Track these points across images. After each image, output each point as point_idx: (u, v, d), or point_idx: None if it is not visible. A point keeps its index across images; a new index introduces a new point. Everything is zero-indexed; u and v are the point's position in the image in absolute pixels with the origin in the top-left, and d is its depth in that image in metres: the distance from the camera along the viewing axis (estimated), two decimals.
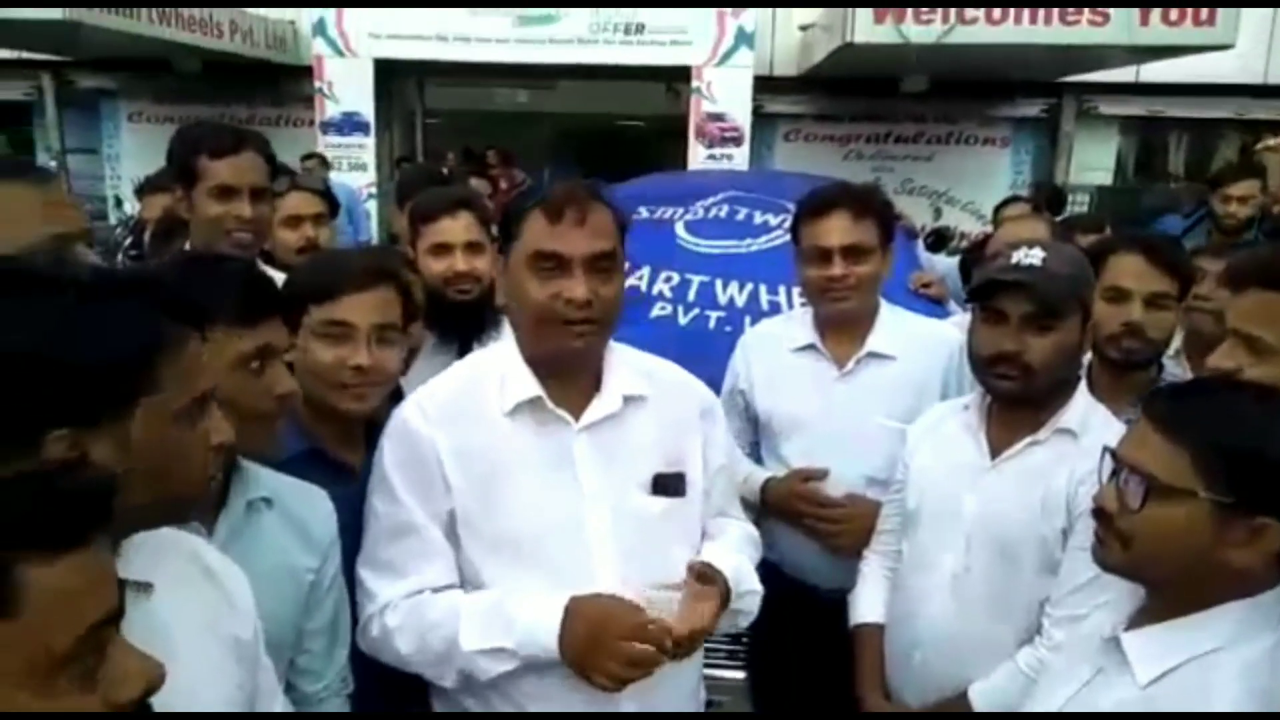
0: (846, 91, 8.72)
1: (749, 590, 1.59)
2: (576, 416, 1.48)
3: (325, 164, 7.42)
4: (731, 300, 2.88)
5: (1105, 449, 1.25)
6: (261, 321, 1.28)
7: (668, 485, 1.51)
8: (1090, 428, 1.64)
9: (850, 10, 6.33)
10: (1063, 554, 1.60)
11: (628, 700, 1.43)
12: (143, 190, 3.47)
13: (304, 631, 1.37)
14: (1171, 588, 1.19)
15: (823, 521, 2.03)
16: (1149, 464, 1.15)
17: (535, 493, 1.45)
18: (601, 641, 1.34)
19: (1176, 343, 2.31)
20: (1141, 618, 1.23)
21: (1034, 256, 1.62)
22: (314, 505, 1.41)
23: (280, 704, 1.21)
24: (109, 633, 0.70)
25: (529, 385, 1.46)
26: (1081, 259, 1.73)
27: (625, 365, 1.54)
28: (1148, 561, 1.18)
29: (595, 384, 1.50)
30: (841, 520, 2.02)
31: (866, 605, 1.91)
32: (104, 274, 0.94)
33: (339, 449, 1.62)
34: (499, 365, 1.50)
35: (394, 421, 1.50)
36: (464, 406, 1.47)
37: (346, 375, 1.55)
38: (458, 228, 2.19)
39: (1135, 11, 6.16)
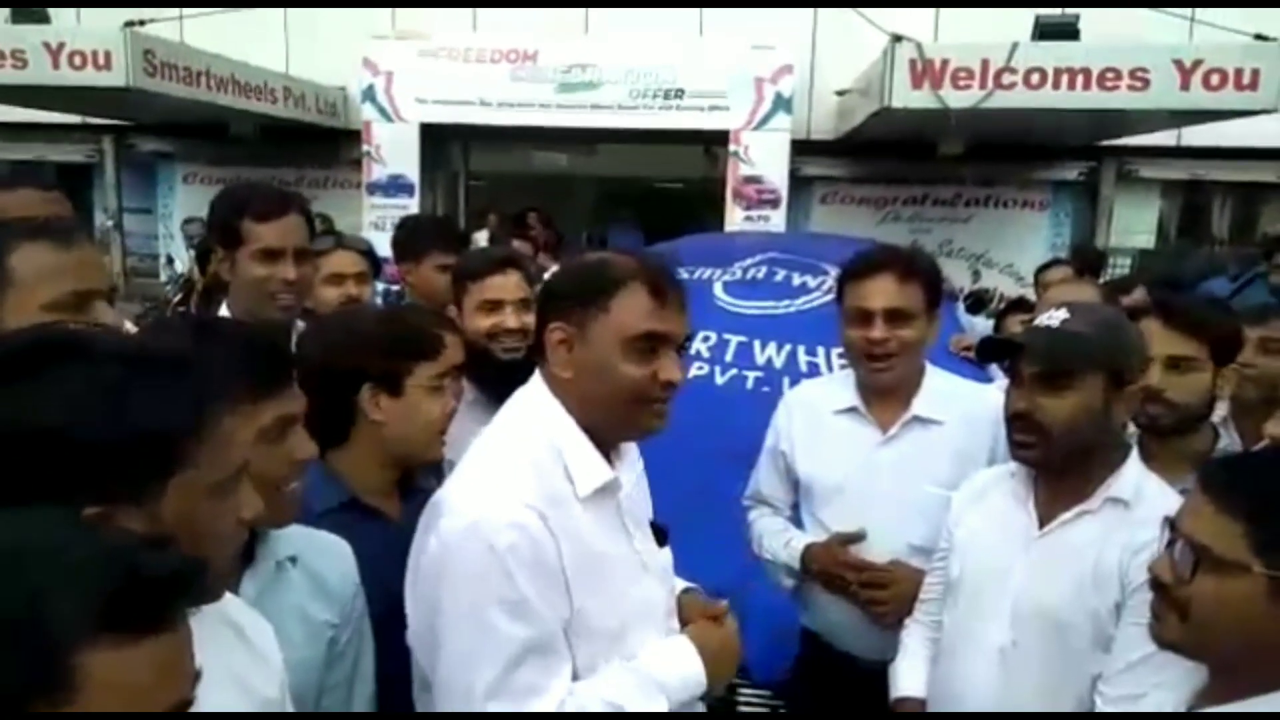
0: (883, 154, 8.77)
1: None
2: None
3: (329, 225, 7.53)
4: (769, 361, 2.88)
5: (1165, 518, 1.22)
6: (279, 392, 1.25)
7: (659, 534, 1.51)
8: (1144, 498, 1.59)
9: (887, 76, 6.40)
10: (1116, 629, 1.54)
11: None
12: (202, 249, 3.56)
13: (324, 687, 1.37)
14: (1233, 666, 1.15)
15: (865, 587, 1.99)
16: (1201, 535, 1.13)
17: (622, 576, 1.39)
18: (734, 659, 1.47)
19: (1225, 409, 2.25)
20: (1204, 699, 1.18)
21: (1054, 318, 1.62)
22: (335, 560, 1.41)
23: None
24: None
25: (603, 468, 1.37)
26: (1116, 322, 1.70)
27: None
28: (1204, 637, 1.14)
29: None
30: (883, 586, 1.97)
31: (908, 678, 1.85)
32: (144, 348, 0.95)
33: (375, 498, 1.66)
34: (552, 444, 1.36)
35: (509, 529, 1.26)
36: (554, 500, 1.32)
37: (445, 423, 1.71)
38: (509, 284, 2.23)
39: (1175, 76, 6.14)
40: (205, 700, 0.88)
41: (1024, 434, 1.63)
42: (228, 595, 1.12)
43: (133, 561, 0.63)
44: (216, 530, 0.93)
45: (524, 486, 1.30)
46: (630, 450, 1.50)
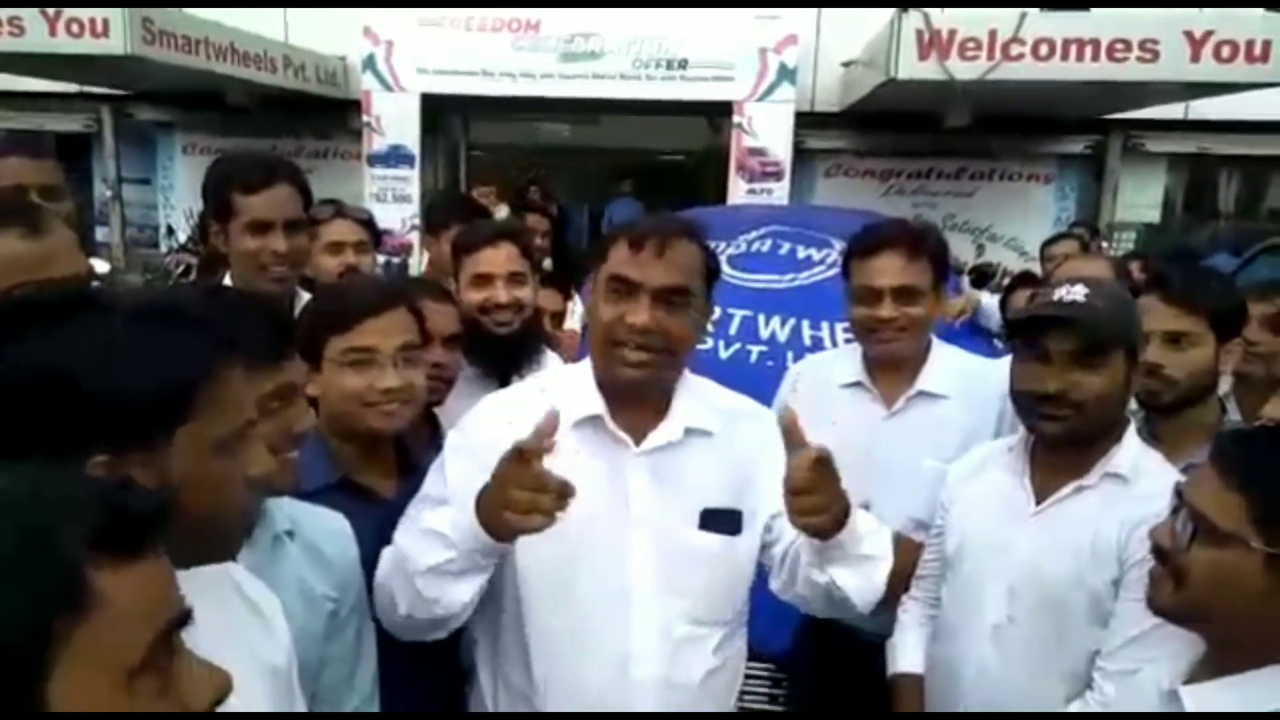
0: (888, 127, 8.70)
1: (880, 544, 1.49)
2: (638, 441, 1.49)
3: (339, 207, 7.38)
4: (773, 335, 2.87)
5: (1175, 485, 1.22)
6: (283, 360, 1.27)
7: (719, 522, 1.51)
8: (1142, 473, 1.58)
9: (894, 47, 6.33)
10: (1114, 605, 1.54)
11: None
12: (202, 222, 3.53)
13: (324, 659, 1.37)
14: (1227, 638, 1.15)
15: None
16: (1203, 504, 1.14)
17: (582, 508, 1.41)
18: (501, 491, 1.29)
19: (1228, 384, 2.24)
20: (1201, 671, 1.19)
21: (1076, 293, 1.59)
22: (333, 533, 1.41)
23: None
24: (177, 639, 0.70)
25: (593, 403, 1.50)
26: (1127, 297, 1.69)
27: (695, 397, 1.56)
28: (1198, 606, 1.15)
29: (663, 411, 1.52)
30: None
31: (905, 654, 1.85)
32: (151, 301, 0.95)
33: (369, 477, 1.64)
34: (571, 381, 1.55)
35: (476, 413, 1.57)
36: (537, 417, 1.45)
37: (375, 396, 1.59)
38: (499, 258, 2.21)
39: (1185, 48, 6.07)
40: (217, 661, 0.88)
41: (1055, 409, 1.59)
42: (237, 566, 1.12)
43: (121, 497, 0.68)
44: (224, 486, 0.92)
45: (511, 397, 1.60)
46: (680, 415, 1.52)
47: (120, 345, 0.85)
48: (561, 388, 1.54)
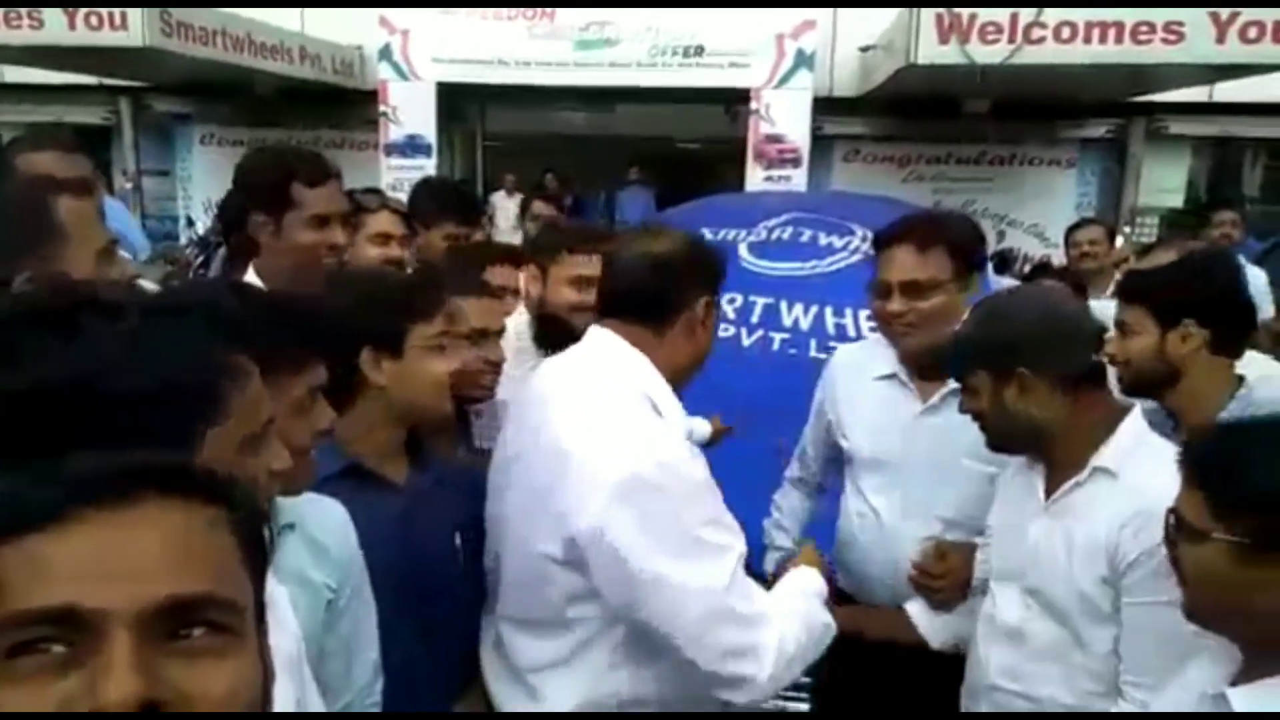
0: (907, 112, 8.63)
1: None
2: None
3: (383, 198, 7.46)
4: (796, 322, 2.85)
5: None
6: (315, 361, 1.26)
7: None
8: (1132, 466, 1.52)
9: (913, 31, 6.27)
10: (1109, 603, 1.50)
11: None
12: (232, 214, 3.50)
13: (323, 649, 1.36)
14: (1247, 640, 1.14)
15: (924, 579, 1.97)
16: (1179, 503, 1.18)
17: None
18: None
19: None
20: (1242, 678, 1.17)
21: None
22: (331, 522, 1.40)
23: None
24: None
25: (696, 420, 1.61)
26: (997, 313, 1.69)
27: None
28: (1200, 605, 1.18)
29: None
30: (939, 576, 1.94)
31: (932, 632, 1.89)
32: (169, 300, 0.95)
33: (380, 464, 1.63)
34: (648, 395, 1.53)
35: (670, 458, 1.44)
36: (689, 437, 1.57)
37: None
38: (595, 264, 2.21)
39: (1211, 29, 5.98)
40: None
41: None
42: None
43: None
44: (251, 483, 0.91)
45: (671, 428, 1.51)
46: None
47: (139, 347, 0.82)
48: (645, 403, 1.54)
